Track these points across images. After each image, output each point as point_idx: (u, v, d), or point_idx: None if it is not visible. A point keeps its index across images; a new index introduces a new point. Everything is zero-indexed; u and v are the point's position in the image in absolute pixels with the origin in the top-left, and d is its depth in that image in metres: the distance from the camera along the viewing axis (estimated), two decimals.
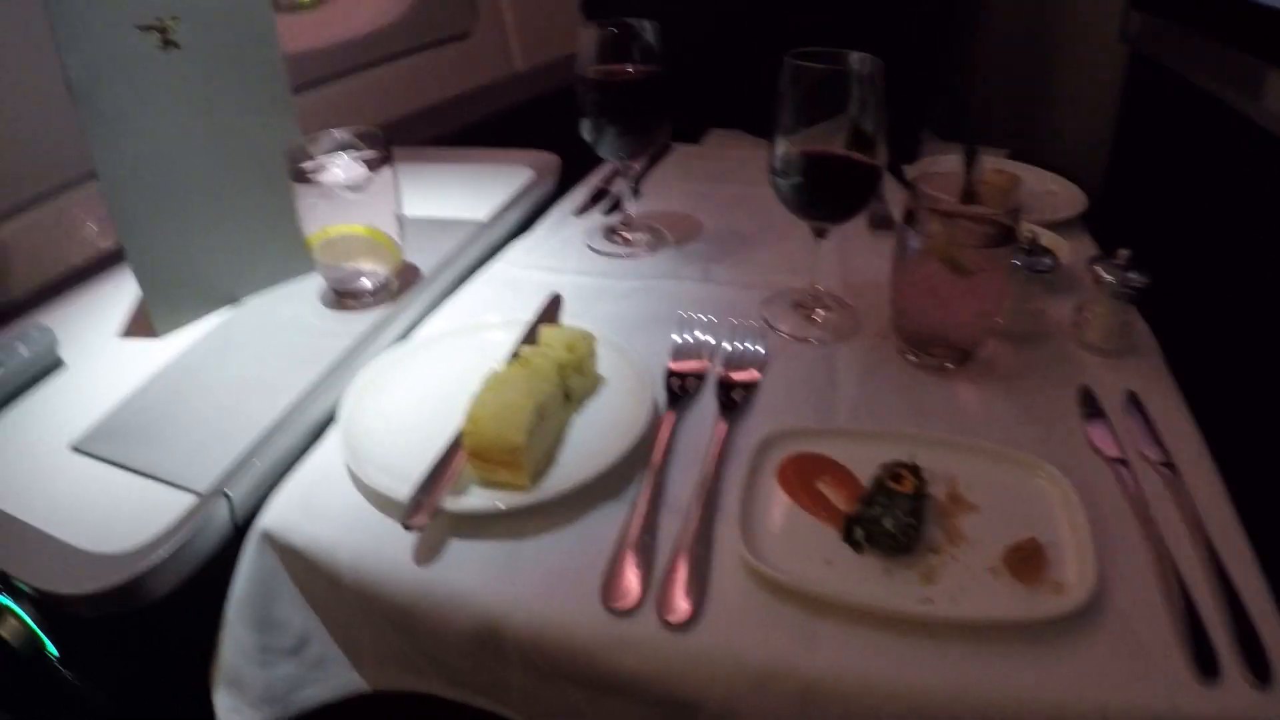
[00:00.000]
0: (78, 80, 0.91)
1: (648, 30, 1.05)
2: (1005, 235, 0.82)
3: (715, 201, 1.28)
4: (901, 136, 1.66)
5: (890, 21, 1.63)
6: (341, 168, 1.02)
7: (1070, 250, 1.04)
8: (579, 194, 1.30)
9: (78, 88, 0.91)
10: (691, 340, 0.93)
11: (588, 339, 0.84)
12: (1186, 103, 1.40)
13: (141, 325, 1.04)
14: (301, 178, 0.99)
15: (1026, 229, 1.01)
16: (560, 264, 1.13)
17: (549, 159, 1.37)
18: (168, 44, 0.95)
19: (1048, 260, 0.96)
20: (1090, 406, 0.82)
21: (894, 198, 1.19)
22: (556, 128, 1.17)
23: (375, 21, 1.92)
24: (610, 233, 1.18)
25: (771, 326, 0.97)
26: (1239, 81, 1.26)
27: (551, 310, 0.97)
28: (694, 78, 1.67)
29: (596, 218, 1.24)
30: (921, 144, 1.66)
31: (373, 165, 1.01)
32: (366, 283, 1.04)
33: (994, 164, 1.16)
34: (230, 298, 1.07)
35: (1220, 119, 1.28)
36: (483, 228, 1.19)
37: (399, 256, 1.06)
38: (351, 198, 1.00)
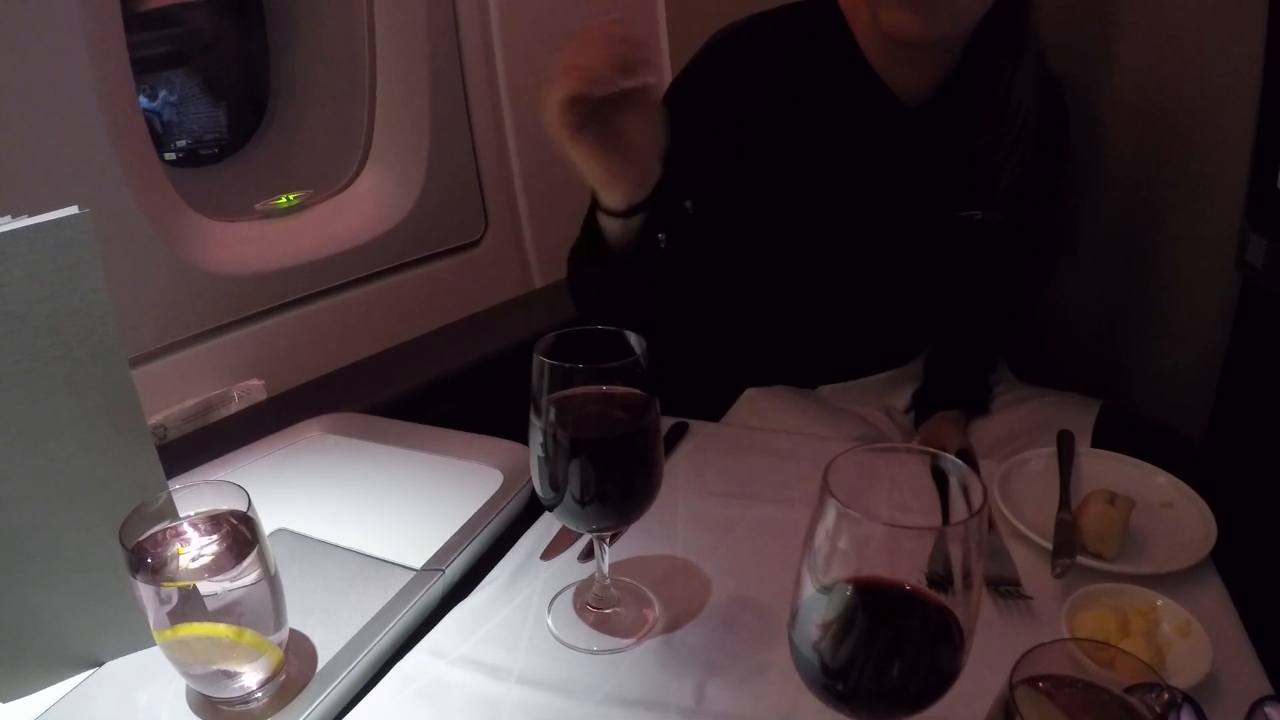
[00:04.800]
0: None
1: (634, 344, 0.76)
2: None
3: (735, 536, 0.97)
4: (974, 381, 1.42)
5: (973, 251, 1.36)
6: (198, 547, 0.79)
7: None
8: (552, 528, 0.99)
9: None
10: None
11: None
12: None
13: None
14: (137, 561, 0.75)
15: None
16: (507, 658, 0.82)
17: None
18: None
19: None
20: None
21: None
22: None
23: (369, 230, 1.68)
24: (582, 606, 0.87)
25: None
26: None
27: None
28: (726, 336, 1.42)
29: (569, 566, 0.93)
30: (993, 390, 1.42)
31: (238, 551, 0.76)
32: (234, 687, 0.78)
33: (1099, 495, 0.92)
34: (81, 663, 0.87)
35: None
36: (417, 576, 0.91)
37: (277, 658, 0.79)
38: (203, 591, 0.73)
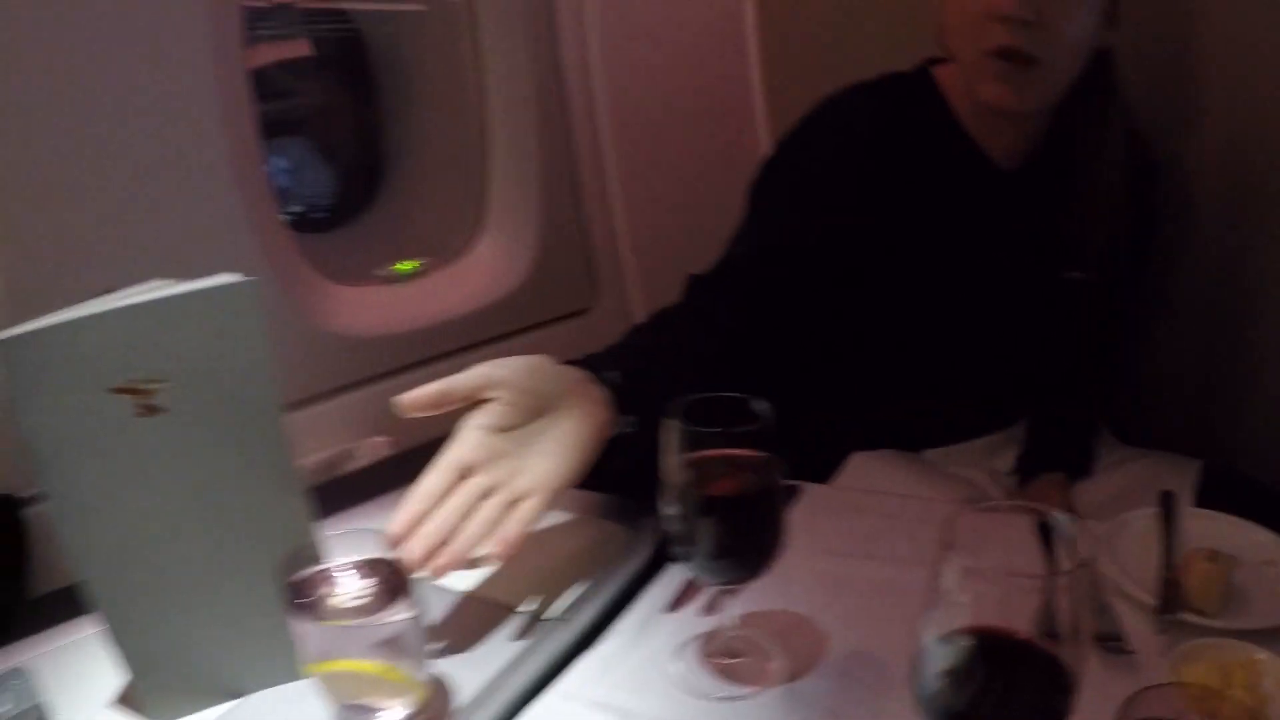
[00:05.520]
0: (35, 446, 0.80)
1: (760, 410, 0.82)
2: None
3: (849, 593, 1.02)
4: (1077, 444, 1.44)
5: (1072, 312, 1.40)
6: (353, 590, 0.85)
7: None
8: (674, 572, 1.05)
9: (37, 453, 0.80)
10: None
11: None
12: None
13: (132, 697, 0.93)
14: (295, 598, 0.80)
15: None
16: (637, 702, 0.88)
17: (644, 520, 1.12)
18: (150, 409, 0.81)
19: None
20: None
21: None
22: None
23: (483, 297, 1.77)
24: (706, 656, 0.92)
25: None
26: None
27: None
28: (831, 402, 1.47)
29: (691, 619, 0.98)
30: (1095, 452, 1.45)
31: (393, 593, 0.82)
32: None
33: (1201, 553, 0.96)
34: (230, 692, 0.93)
35: None
36: (550, 624, 0.98)
37: (421, 694, 0.85)
38: (358, 630, 0.81)
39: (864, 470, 1.39)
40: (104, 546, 0.85)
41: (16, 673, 0.93)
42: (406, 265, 1.89)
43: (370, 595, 0.85)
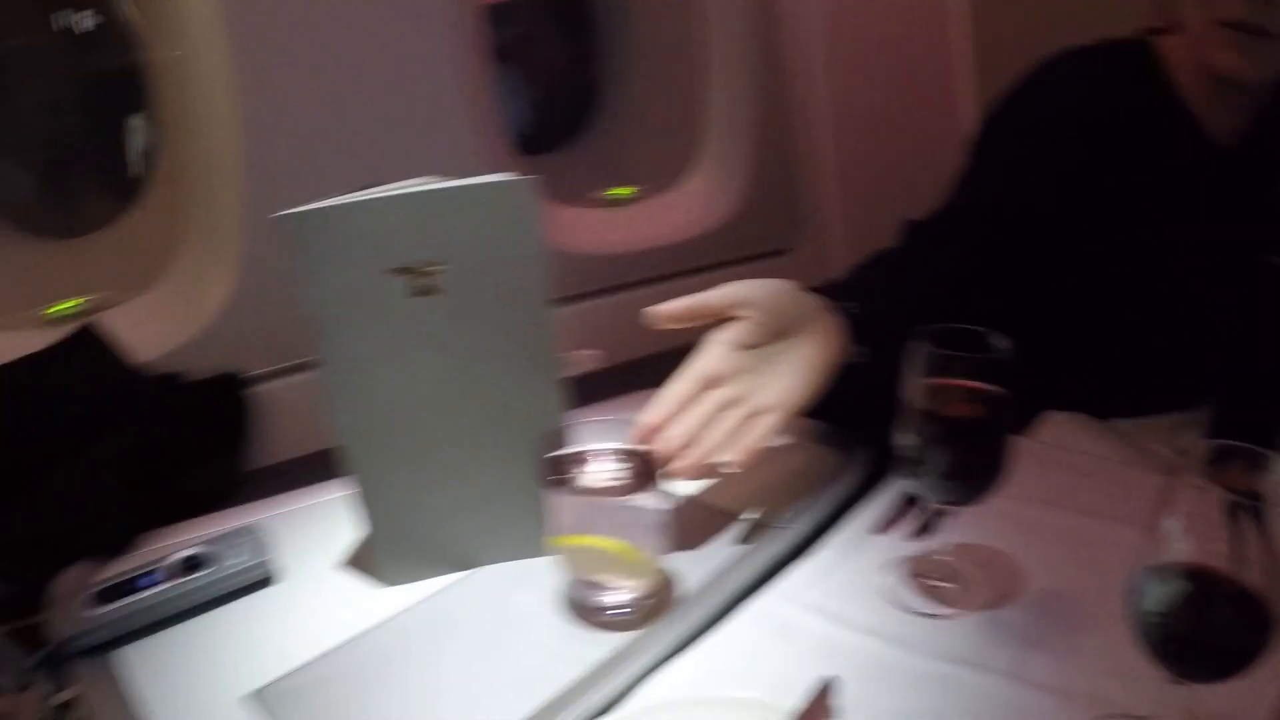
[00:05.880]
0: (317, 318, 0.88)
1: (998, 346, 0.89)
2: None
3: (1046, 538, 1.08)
4: (1265, 428, 1.45)
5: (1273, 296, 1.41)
6: (607, 472, 0.94)
7: None
8: (883, 498, 1.13)
9: (317, 325, 0.88)
10: None
11: None
12: None
13: (366, 560, 1.03)
14: (554, 472, 0.90)
15: None
16: (848, 610, 0.96)
17: (857, 449, 1.21)
18: (425, 291, 0.90)
19: None
20: None
21: None
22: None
23: (690, 228, 1.86)
24: (912, 575, 1.00)
25: None
26: None
27: (819, 709, 0.81)
28: (1033, 351, 1.51)
29: (901, 542, 1.06)
30: None
31: (644, 480, 0.92)
32: (613, 598, 0.94)
33: None
34: (464, 563, 1.01)
35: None
36: (769, 532, 1.07)
37: (657, 578, 0.95)
38: (609, 508, 0.91)
39: (1058, 429, 1.43)
40: (367, 416, 0.94)
41: (247, 530, 1.05)
42: (621, 191, 1.98)
43: (622, 479, 0.94)
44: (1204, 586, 0.69)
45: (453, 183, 0.92)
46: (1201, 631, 0.70)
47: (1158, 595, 0.70)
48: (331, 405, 0.93)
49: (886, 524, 1.09)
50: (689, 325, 1.04)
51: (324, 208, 0.89)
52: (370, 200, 0.90)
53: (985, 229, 1.32)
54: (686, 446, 0.99)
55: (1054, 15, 1.55)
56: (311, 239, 0.88)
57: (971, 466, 0.92)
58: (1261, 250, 1.38)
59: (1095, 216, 1.36)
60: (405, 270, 0.91)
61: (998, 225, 1.32)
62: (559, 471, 0.92)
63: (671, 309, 1.04)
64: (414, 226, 0.90)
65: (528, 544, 1.01)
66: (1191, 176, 1.36)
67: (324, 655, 0.90)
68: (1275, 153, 1.34)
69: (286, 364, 1.56)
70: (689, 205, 1.95)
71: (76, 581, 1.04)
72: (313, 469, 1.15)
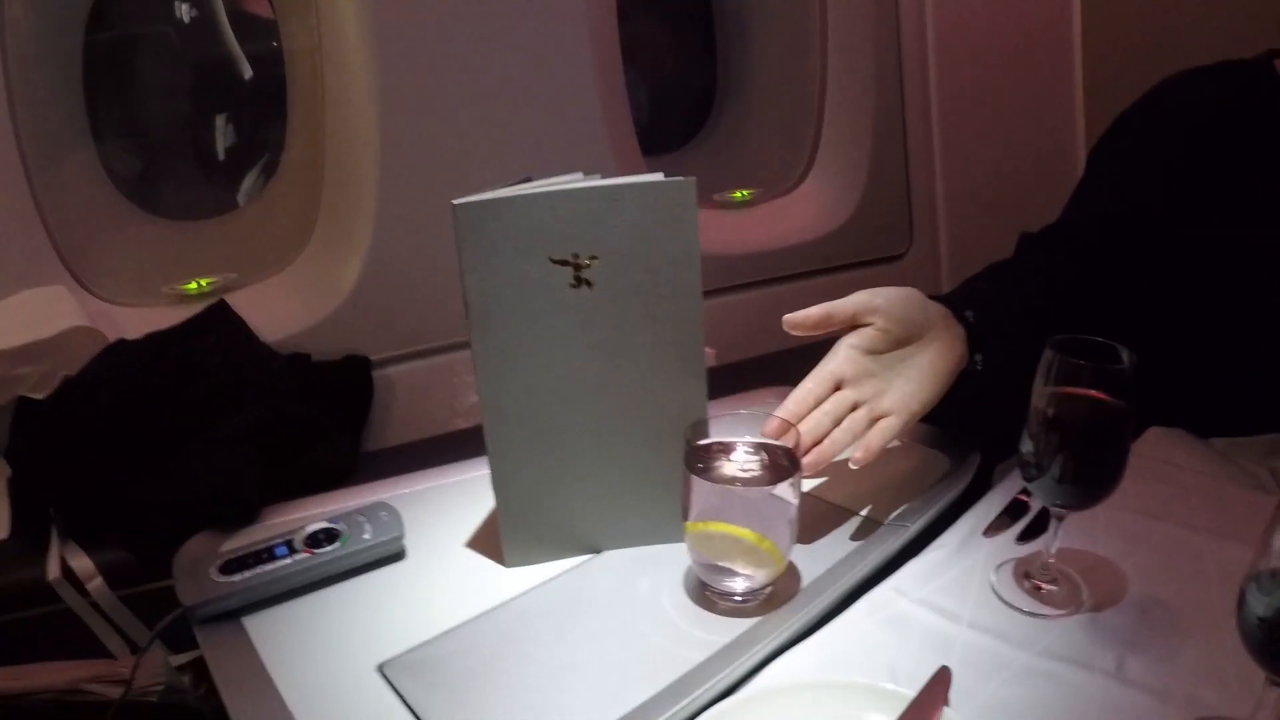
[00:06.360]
0: (474, 302, 0.93)
1: (1124, 359, 0.94)
2: None
3: (1147, 547, 1.13)
4: None
5: None
6: (742, 464, 1.00)
7: None
8: (991, 501, 1.19)
9: (473, 309, 0.94)
10: None
11: None
12: None
13: (489, 542, 1.07)
14: (695, 460, 0.96)
15: None
16: (958, 606, 1.03)
17: (968, 453, 1.27)
18: (580, 282, 0.96)
19: None
20: None
21: None
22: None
23: (805, 232, 1.93)
24: (1020, 576, 1.07)
25: None
26: None
27: (935, 695, 0.88)
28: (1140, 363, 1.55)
29: (1008, 544, 1.13)
30: None
31: (777, 473, 0.98)
32: (738, 585, 1.00)
33: None
34: (589, 548, 1.06)
35: None
36: (883, 529, 1.13)
37: (781, 568, 1.01)
38: (744, 497, 0.96)
39: (1160, 443, 1.47)
40: (514, 400, 1.00)
41: (384, 505, 1.10)
42: (738, 194, 2.06)
43: (755, 471, 1.01)
44: None
45: (614, 181, 0.98)
46: None
47: (1265, 602, 0.76)
48: (481, 388, 0.99)
49: (997, 526, 1.16)
50: (820, 332, 1.11)
51: (495, 198, 0.95)
52: (539, 194, 0.96)
53: (1097, 240, 1.37)
54: (815, 443, 1.06)
55: (1162, 37, 1.57)
56: (480, 227, 0.94)
57: (1087, 474, 0.98)
58: None
59: (1204, 233, 1.39)
60: (565, 262, 0.97)
61: (1109, 238, 1.37)
62: (700, 460, 0.99)
63: (805, 316, 1.11)
64: (576, 221, 0.96)
65: (656, 530, 1.07)
66: None
67: (449, 631, 0.94)
68: None
69: (409, 350, 1.64)
70: (804, 209, 2.01)
71: (202, 550, 1.10)
72: (430, 452, 1.22)
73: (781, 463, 1.01)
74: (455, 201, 0.95)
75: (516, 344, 0.99)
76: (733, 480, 1.00)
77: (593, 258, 0.97)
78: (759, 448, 1.03)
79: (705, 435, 1.01)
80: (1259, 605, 0.76)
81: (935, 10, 2.01)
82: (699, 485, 0.96)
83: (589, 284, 0.98)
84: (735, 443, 1.03)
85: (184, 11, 1.90)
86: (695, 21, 2.26)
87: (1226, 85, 1.40)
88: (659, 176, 0.98)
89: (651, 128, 2.20)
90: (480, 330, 0.97)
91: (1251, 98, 1.38)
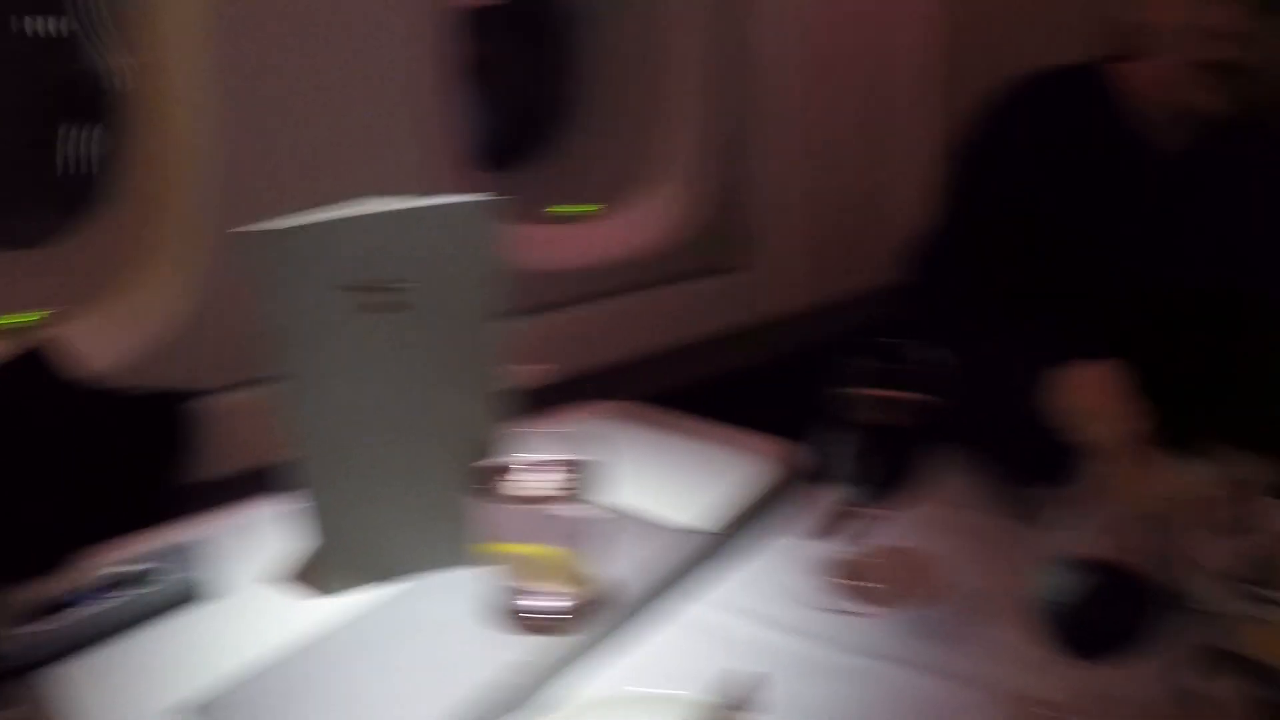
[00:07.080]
0: (274, 333, 0.90)
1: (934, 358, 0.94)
2: None
3: (967, 540, 1.13)
4: None
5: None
6: (533, 481, 0.95)
7: None
8: (808, 508, 1.17)
9: (273, 340, 0.90)
10: None
11: None
12: None
13: (301, 574, 1.05)
14: (482, 482, 0.92)
15: None
16: (777, 614, 1.01)
17: (796, 457, 1.25)
18: (379, 308, 0.93)
19: None
20: None
21: None
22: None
23: (645, 246, 1.91)
24: (841, 577, 1.05)
25: None
26: None
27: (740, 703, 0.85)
28: None
29: (826, 548, 1.10)
30: None
31: (568, 490, 0.94)
32: (546, 604, 0.96)
33: None
34: (403, 573, 1.03)
35: None
36: (700, 540, 1.10)
37: (591, 585, 0.97)
38: (538, 515, 0.93)
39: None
40: (320, 428, 0.96)
41: (175, 548, 1.05)
42: (575, 209, 2.03)
43: (551, 489, 0.96)
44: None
45: (411, 203, 0.95)
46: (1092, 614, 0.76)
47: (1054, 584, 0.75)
48: (287, 418, 0.95)
49: (818, 530, 1.13)
50: None
51: (281, 228, 0.91)
52: (328, 221, 0.92)
53: (992, 248, 1.37)
54: None
55: (1016, 47, 1.58)
56: (269, 257, 0.90)
57: (894, 471, 0.97)
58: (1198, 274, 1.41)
59: (1061, 236, 1.39)
60: (360, 288, 0.93)
61: (1002, 244, 1.37)
62: (487, 481, 0.94)
63: None
64: (371, 246, 0.93)
65: (462, 554, 1.03)
66: (1140, 189, 1.39)
67: (255, 669, 0.90)
68: (1228, 165, 1.38)
69: (241, 378, 1.57)
70: (645, 223, 2.00)
71: (5, 602, 1.02)
72: (260, 482, 1.16)
73: (577, 478, 0.96)
74: (235, 230, 0.91)
75: (318, 373, 0.95)
76: (522, 499, 0.95)
77: (390, 283, 0.93)
78: (556, 464, 0.99)
79: (488, 455, 0.96)
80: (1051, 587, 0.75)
81: (779, 25, 2.02)
82: (497, 506, 0.92)
83: (389, 309, 0.94)
84: (526, 460, 0.98)
85: (14, 29, 1.79)
86: (540, 37, 2.24)
87: (1069, 90, 1.41)
88: (460, 198, 0.95)
89: (496, 144, 2.17)
90: (281, 361, 0.93)
91: (1093, 103, 1.39)
